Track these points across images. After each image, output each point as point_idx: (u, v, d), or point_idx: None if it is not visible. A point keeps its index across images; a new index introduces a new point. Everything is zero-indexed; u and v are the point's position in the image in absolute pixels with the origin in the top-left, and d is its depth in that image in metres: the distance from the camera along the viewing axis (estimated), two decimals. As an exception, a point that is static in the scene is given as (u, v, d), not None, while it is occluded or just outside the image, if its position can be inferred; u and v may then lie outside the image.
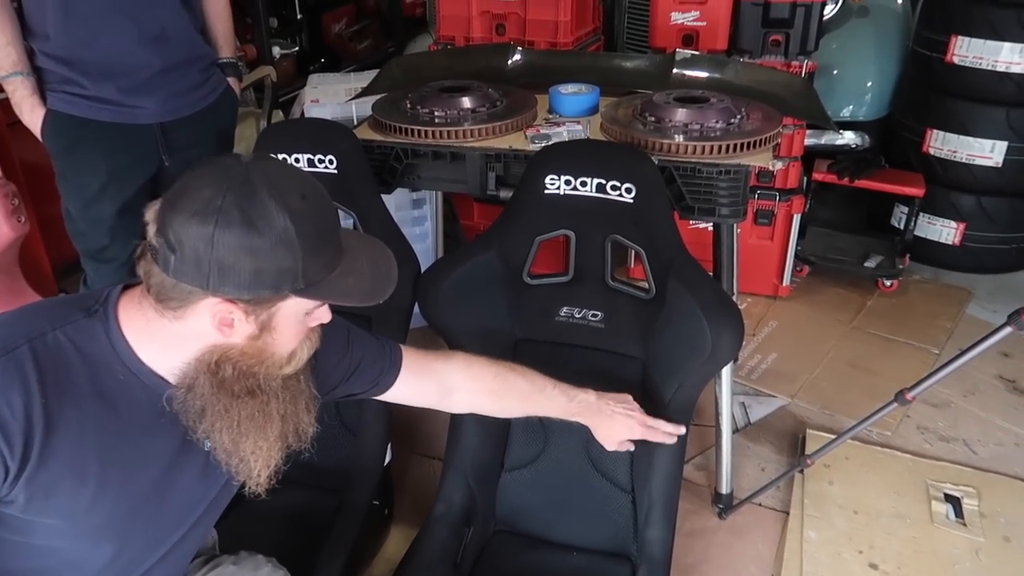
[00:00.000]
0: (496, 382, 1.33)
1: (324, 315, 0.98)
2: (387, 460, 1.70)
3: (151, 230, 0.88)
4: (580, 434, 1.55)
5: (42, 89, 1.71)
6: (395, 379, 1.27)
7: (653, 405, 1.48)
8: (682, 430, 1.38)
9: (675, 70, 2.02)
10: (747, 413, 2.18)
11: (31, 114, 1.71)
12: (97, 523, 0.94)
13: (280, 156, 1.65)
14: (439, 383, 1.32)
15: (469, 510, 1.55)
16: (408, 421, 2.10)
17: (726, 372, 1.73)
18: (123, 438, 0.93)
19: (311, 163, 1.65)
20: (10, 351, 0.86)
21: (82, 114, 1.70)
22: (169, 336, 0.92)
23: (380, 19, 4.89)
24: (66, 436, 0.88)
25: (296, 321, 0.94)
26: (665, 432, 1.36)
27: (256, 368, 0.94)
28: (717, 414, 1.77)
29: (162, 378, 0.94)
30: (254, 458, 0.98)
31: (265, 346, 0.93)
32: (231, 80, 1.94)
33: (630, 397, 1.38)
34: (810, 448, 1.94)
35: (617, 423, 1.35)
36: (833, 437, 1.66)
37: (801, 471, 1.87)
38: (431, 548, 1.46)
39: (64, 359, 0.89)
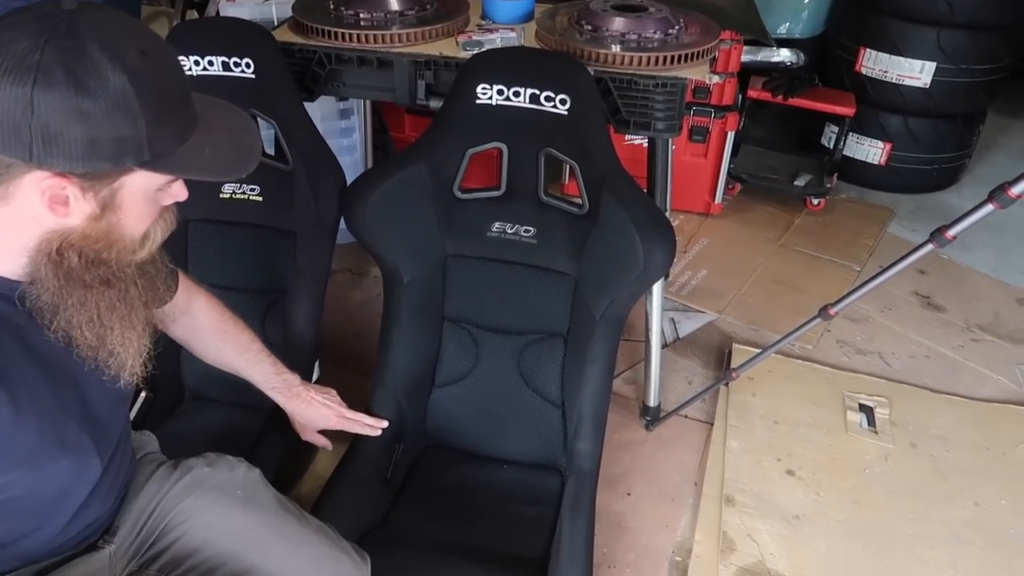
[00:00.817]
0: (222, 324, 1.28)
1: (180, 192, 0.88)
2: (315, 377, 1.67)
3: None
4: (511, 348, 1.56)
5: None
6: (177, 286, 1.19)
7: (584, 321, 1.48)
8: (384, 424, 1.43)
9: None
10: (676, 328, 2.22)
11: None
12: (28, 444, 0.86)
13: (192, 58, 1.54)
14: (185, 302, 1.23)
15: (399, 426, 1.54)
16: (337, 337, 2.07)
17: (657, 288, 1.74)
18: (7, 357, 0.84)
19: (226, 66, 1.54)
20: None
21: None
22: (6, 227, 0.81)
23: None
24: None
25: (145, 198, 0.84)
26: (366, 424, 1.40)
27: (105, 254, 0.84)
28: (647, 329, 1.79)
29: (12, 280, 0.84)
30: (123, 350, 0.90)
31: (111, 228, 0.83)
32: None
33: (334, 392, 1.40)
34: (736, 362, 1.99)
35: (314, 411, 1.35)
36: (758, 351, 1.71)
37: (726, 384, 1.93)
38: (361, 465, 1.45)
39: None
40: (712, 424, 1.89)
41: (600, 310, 1.45)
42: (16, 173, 0.75)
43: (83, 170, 0.76)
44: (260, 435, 1.53)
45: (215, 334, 1.27)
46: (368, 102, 2.28)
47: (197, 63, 1.54)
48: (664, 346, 2.04)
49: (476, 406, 1.60)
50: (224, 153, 0.86)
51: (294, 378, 1.34)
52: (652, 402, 1.87)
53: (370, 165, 2.35)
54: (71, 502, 0.96)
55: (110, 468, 1.00)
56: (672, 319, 2.25)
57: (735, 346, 2.11)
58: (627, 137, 2.27)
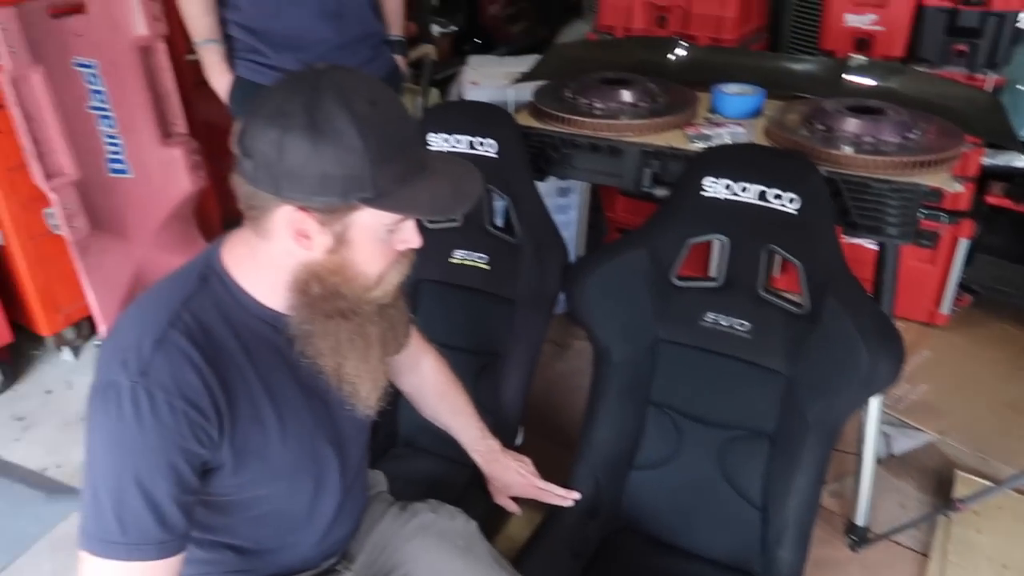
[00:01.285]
0: (444, 386, 1.38)
1: (412, 238, 0.96)
2: (518, 441, 1.73)
3: (234, 140, 0.90)
4: (713, 441, 1.54)
5: (230, 56, 1.84)
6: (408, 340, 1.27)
7: (795, 425, 1.44)
8: (576, 496, 1.45)
9: (846, 76, 1.93)
10: (889, 444, 2.07)
11: (219, 78, 1.84)
12: (290, 459, 1.00)
13: (442, 135, 1.71)
14: (415, 357, 1.35)
15: (595, 503, 1.56)
16: (540, 406, 2.14)
17: (875, 400, 1.65)
18: (277, 379, 0.98)
19: (472, 145, 1.69)
20: (163, 338, 0.89)
21: (264, 82, 1.81)
22: (266, 261, 0.94)
23: (535, 3, 4.92)
24: (237, 394, 0.93)
25: (375, 238, 0.92)
26: (558, 495, 1.43)
27: (343, 288, 0.94)
28: (860, 442, 1.69)
29: (280, 313, 0.97)
30: (359, 381, 0.99)
31: (345, 262, 0.92)
32: (398, 58, 2.01)
33: (530, 461, 1.45)
34: (960, 492, 1.82)
35: (510, 476, 1.42)
36: (990, 484, 1.56)
37: (946, 514, 1.76)
38: (555, 534, 1.49)
39: (206, 329, 0.93)
40: (927, 556, 1.73)
41: (813, 415, 1.40)
42: (270, 208, 0.88)
43: (318, 204, 0.87)
44: (465, 489, 1.60)
45: (437, 394, 1.38)
46: (588, 183, 2.38)
47: (446, 140, 1.71)
48: (876, 462, 1.92)
49: (672, 494, 1.58)
50: (442, 195, 0.94)
51: (496, 444, 1.43)
52: (860, 521, 1.75)
53: (584, 242, 2.44)
54: (320, 520, 1.08)
55: (351, 492, 1.12)
56: (885, 434, 2.10)
57: (959, 474, 1.93)
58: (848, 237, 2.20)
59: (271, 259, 0.94)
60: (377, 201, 0.88)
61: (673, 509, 1.57)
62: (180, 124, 2.43)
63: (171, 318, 0.91)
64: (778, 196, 1.42)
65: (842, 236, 1.49)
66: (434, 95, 3.15)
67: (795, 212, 1.41)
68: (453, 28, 4.03)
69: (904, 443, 2.08)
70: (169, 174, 2.41)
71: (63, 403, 2.33)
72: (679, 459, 1.57)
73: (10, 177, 2.15)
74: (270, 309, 0.97)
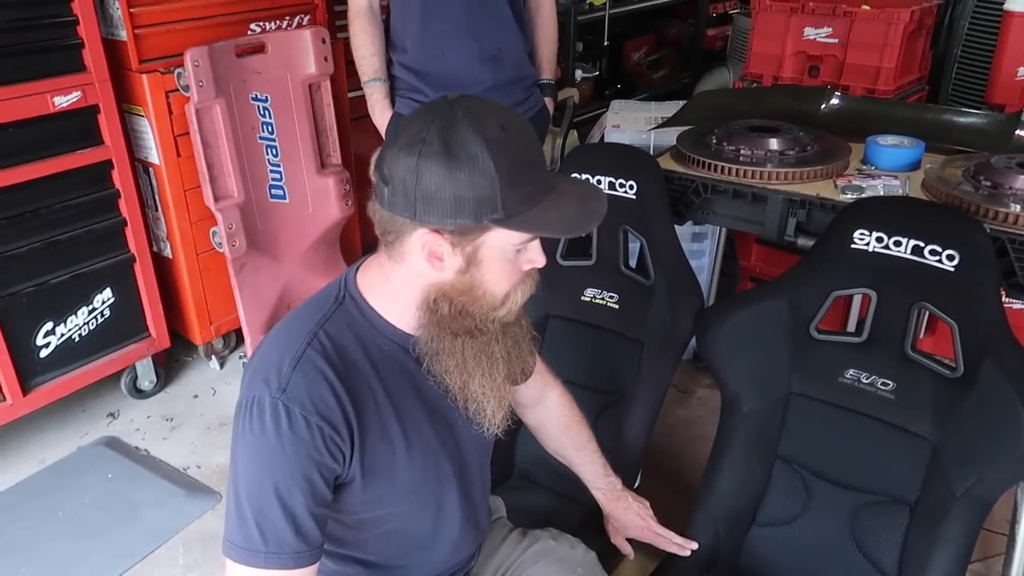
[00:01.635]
0: (569, 420, 1.37)
1: (537, 258, 0.98)
2: (636, 484, 1.71)
3: (372, 168, 0.94)
4: (846, 504, 1.46)
5: (392, 94, 1.96)
6: (533, 370, 1.28)
7: (940, 495, 1.34)
8: (694, 545, 1.39)
9: (1018, 132, 1.82)
10: (1045, 529, 1.89)
11: (381, 115, 1.97)
12: (415, 478, 1.04)
13: (583, 175, 1.74)
14: (540, 390, 1.35)
15: (713, 555, 1.51)
16: (660, 451, 2.10)
17: (1033, 477, 1.51)
18: (404, 399, 1.02)
19: (611, 186, 1.71)
20: (301, 357, 0.94)
21: (420, 119, 1.92)
22: (398, 283, 0.98)
23: (679, 50, 4.94)
24: (367, 412, 0.98)
25: (503, 258, 0.94)
26: (675, 543, 1.41)
27: (471, 307, 0.96)
28: (1014, 522, 1.55)
29: (409, 334, 1.01)
30: (485, 399, 1.01)
31: (474, 282, 0.94)
32: (547, 100, 2.08)
33: (648, 504, 1.44)
34: None
35: (630, 518, 1.40)
36: None
37: (1111, 613, 1.58)
38: (670, 583, 1.45)
39: (340, 348, 0.97)
40: (1086, 656, 1.56)
41: (962, 487, 1.31)
42: (406, 231, 0.92)
43: (452, 226, 0.89)
44: (578, 528, 1.59)
45: (561, 427, 1.39)
46: (723, 229, 2.35)
47: (587, 180, 1.74)
48: (1029, 546, 1.75)
49: (796, 556, 1.51)
50: (569, 216, 0.95)
51: (618, 482, 1.42)
52: (1008, 607, 1.60)
53: (715, 289, 2.40)
54: (444, 539, 1.11)
55: (474, 514, 1.14)
56: (1041, 516, 1.92)
57: None
58: (1005, 300, 2.05)
59: (403, 281, 0.98)
60: (507, 222, 0.90)
61: (796, 570, 1.49)
62: (336, 156, 2.60)
63: (309, 338, 0.96)
64: (934, 252, 1.35)
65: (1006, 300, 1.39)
66: (573, 137, 3.21)
67: (952, 269, 1.33)
68: (595, 73, 4.11)
69: (1065, 531, 1.88)
70: (321, 201, 2.58)
71: (207, 408, 2.51)
72: (806, 519, 1.49)
73: (185, 197, 2.37)
74: (400, 330, 1.01)
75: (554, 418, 1.39)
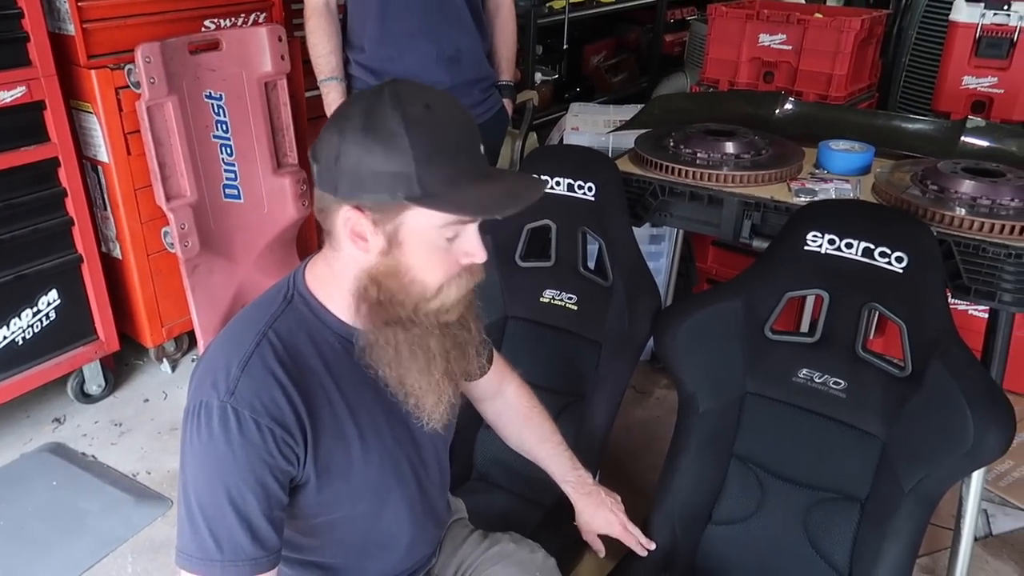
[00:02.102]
0: (529, 411, 1.35)
1: (473, 250, 0.95)
2: (594, 485, 1.71)
3: (310, 152, 0.94)
4: (799, 501, 1.48)
5: (349, 94, 1.94)
6: (491, 365, 1.28)
7: (889, 491, 1.37)
8: (652, 546, 1.38)
9: (963, 138, 1.88)
10: (989, 523, 1.95)
11: (337, 113, 1.94)
12: (371, 477, 1.02)
13: (543, 177, 1.74)
14: (498, 384, 1.33)
15: (670, 554, 1.52)
16: (617, 451, 2.11)
17: (977, 474, 1.56)
18: (358, 396, 1.00)
19: (571, 187, 1.72)
20: (249, 359, 0.92)
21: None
22: (340, 272, 0.96)
23: (637, 54, 4.99)
24: (320, 412, 0.96)
25: (429, 243, 0.92)
26: (640, 542, 1.38)
27: (400, 295, 0.94)
28: (959, 516, 1.60)
29: (352, 326, 0.99)
30: (423, 394, 0.99)
31: (400, 266, 0.93)
32: (506, 101, 2.07)
33: (620, 499, 1.39)
34: (1067, 581, 1.70)
35: (602, 514, 1.36)
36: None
37: (1052, 604, 1.64)
38: (628, 584, 1.45)
39: (291, 347, 0.95)
40: (1028, 646, 1.61)
41: (910, 483, 1.34)
42: (332, 211, 0.92)
43: (368, 200, 0.89)
44: (536, 529, 1.59)
45: (522, 419, 1.37)
46: (680, 231, 2.37)
47: (546, 181, 1.74)
48: (974, 540, 1.80)
49: (751, 553, 1.53)
50: (491, 197, 0.92)
51: (588, 476, 1.39)
52: (954, 601, 1.64)
53: (672, 290, 2.42)
54: (401, 537, 1.09)
55: (432, 513, 1.13)
56: (985, 511, 1.98)
57: (1067, 561, 1.80)
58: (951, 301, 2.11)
59: (343, 269, 0.96)
60: (424, 200, 0.89)
61: (752, 568, 1.52)
62: (292, 155, 2.56)
63: (258, 339, 0.94)
64: (884, 254, 1.38)
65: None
66: (532, 139, 3.22)
67: (901, 271, 1.37)
68: (555, 76, 4.13)
69: (1006, 523, 1.95)
70: (277, 201, 2.54)
71: (158, 412, 2.45)
72: (761, 517, 1.52)
73: (135, 196, 2.31)
74: (348, 324, 0.99)
75: (513, 410, 1.37)
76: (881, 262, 1.38)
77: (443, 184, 0.89)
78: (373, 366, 0.97)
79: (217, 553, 0.90)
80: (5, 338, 2.17)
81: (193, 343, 2.64)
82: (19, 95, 2.00)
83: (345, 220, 0.91)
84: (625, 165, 1.80)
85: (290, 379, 0.93)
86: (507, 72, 2.06)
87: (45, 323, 2.25)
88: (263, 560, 0.92)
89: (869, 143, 1.80)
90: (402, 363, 0.97)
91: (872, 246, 1.39)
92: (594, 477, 1.71)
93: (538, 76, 3.82)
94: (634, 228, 1.79)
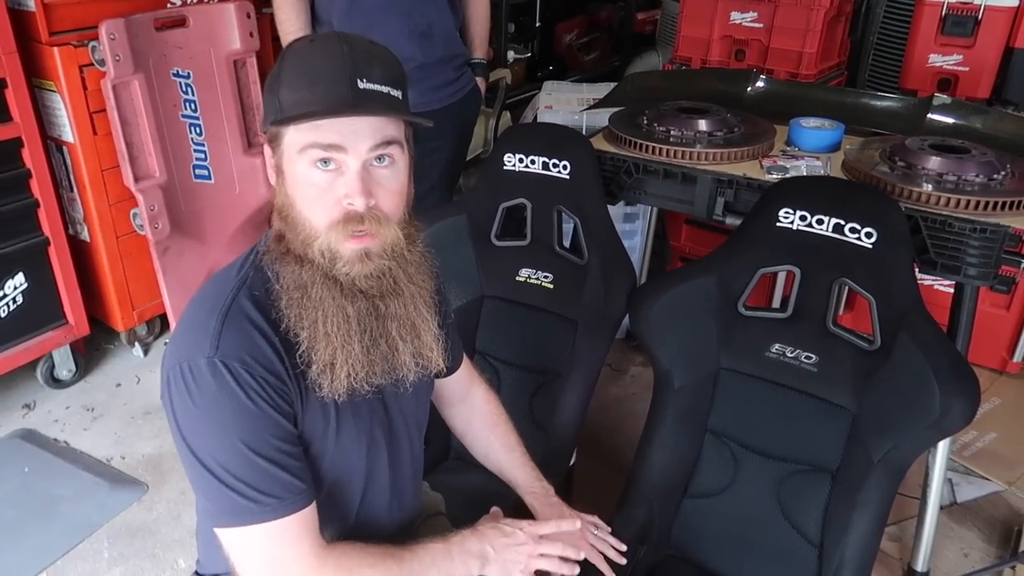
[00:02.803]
0: (497, 418, 1.35)
1: (352, 192, 0.90)
2: (572, 461, 1.73)
3: None
4: (772, 474, 1.51)
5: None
6: (456, 370, 1.29)
7: (858, 462, 1.41)
8: (622, 561, 1.25)
9: (930, 115, 1.91)
10: (954, 491, 2.01)
11: (308, 92, 1.92)
12: (345, 442, 1.01)
13: (517, 155, 1.74)
14: (467, 387, 1.34)
15: (646, 528, 1.54)
16: (594, 429, 2.14)
17: (943, 444, 1.61)
18: None
19: (545, 166, 1.72)
20: (229, 314, 0.90)
21: (349, 97, 1.88)
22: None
23: (610, 33, 4.98)
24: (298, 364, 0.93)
25: (298, 170, 0.90)
26: (613, 547, 1.26)
27: (291, 231, 0.93)
28: (925, 486, 1.65)
29: None
30: (324, 348, 0.93)
31: (289, 199, 0.92)
32: (479, 79, 2.06)
33: (583, 518, 1.28)
34: (1028, 545, 1.75)
35: (565, 526, 1.22)
36: (1062, 538, 1.50)
37: (1013, 567, 1.70)
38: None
39: (264, 301, 0.94)
40: (990, 609, 1.67)
41: (879, 454, 1.37)
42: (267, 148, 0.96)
43: (264, 129, 0.95)
44: (515, 508, 1.60)
45: (488, 426, 1.36)
46: (654, 209, 2.39)
47: (521, 160, 1.74)
48: (940, 508, 1.86)
49: (725, 525, 1.56)
50: (327, 104, 0.89)
51: (550, 488, 1.35)
52: (921, 567, 1.69)
53: (647, 268, 2.44)
54: (368, 513, 1.09)
55: (402, 494, 1.12)
56: (950, 480, 2.04)
57: (1028, 526, 1.86)
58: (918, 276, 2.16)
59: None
60: (276, 121, 0.91)
61: (726, 540, 1.54)
62: (263, 135, 2.52)
63: (232, 294, 0.93)
64: (854, 230, 1.40)
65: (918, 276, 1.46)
66: (506, 118, 3.21)
67: (870, 247, 1.39)
68: (527, 55, 4.12)
69: (969, 491, 2.01)
70: (248, 182, 2.51)
71: (131, 397, 2.42)
72: (735, 490, 1.54)
73: (103, 177, 2.27)
74: None
75: (479, 415, 1.36)
76: (851, 238, 1.41)
77: (304, 106, 0.89)
78: (285, 313, 0.93)
79: (250, 501, 0.90)
80: (-29, 323, 2.13)
81: (165, 327, 2.62)
82: (-22, 74, 1.95)
83: (265, 153, 0.97)
84: (599, 143, 1.80)
85: (272, 329, 0.92)
86: (480, 50, 2.05)
87: (12, 307, 2.21)
88: (297, 498, 0.92)
89: (839, 120, 1.83)
90: (304, 306, 0.93)
91: (842, 222, 1.41)
92: (571, 455, 1.74)
93: (511, 55, 3.81)
94: (608, 206, 1.80)
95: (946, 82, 2.35)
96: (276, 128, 0.91)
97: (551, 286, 1.77)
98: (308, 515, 0.94)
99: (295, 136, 0.90)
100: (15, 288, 2.20)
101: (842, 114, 1.89)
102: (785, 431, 1.51)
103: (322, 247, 0.92)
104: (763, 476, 1.52)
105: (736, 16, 2.60)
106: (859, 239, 1.40)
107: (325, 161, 0.90)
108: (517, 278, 1.80)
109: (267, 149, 0.96)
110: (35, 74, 2.13)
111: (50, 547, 1.88)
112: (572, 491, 1.82)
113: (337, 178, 0.91)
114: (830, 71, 2.67)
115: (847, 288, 1.45)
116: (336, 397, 0.96)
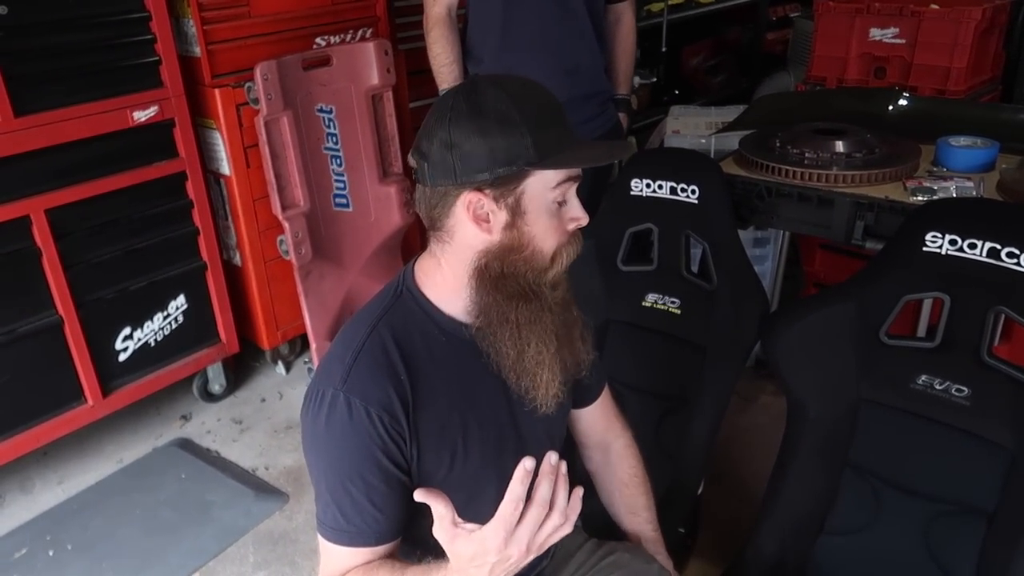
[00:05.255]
0: (629, 479, 1.30)
1: (579, 214, 1.00)
2: (699, 491, 1.69)
3: (410, 155, 0.99)
4: (919, 513, 1.42)
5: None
6: (595, 400, 1.27)
7: (1020, 506, 1.30)
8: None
9: (1101, 130, 1.76)
10: None
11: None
12: (471, 469, 1.04)
13: (644, 180, 1.74)
14: (604, 427, 1.30)
15: (779, 563, 1.48)
16: (721, 459, 2.08)
17: (1120, 489, 1.45)
18: (462, 388, 1.03)
19: (673, 191, 1.71)
20: (361, 349, 0.97)
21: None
22: (453, 263, 0.99)
23: (738, 54, 4.88)
24: (427, 402, 0.99)
25: (546, 208, 0.96)
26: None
27: (521, 267, 0.97)
28: (1099, 536, 1.49)
29: (464, 322, 1.02)
30: (539, 368, 1.00)
31: (523, 237, 0.96)
32: (621, 115, 2.06)
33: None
34: None
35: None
36: None
37: None
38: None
39: (399, 338, 0.99)
40: None
41: (1044, 497, 1.26)
42: (450, 200, 0.95)
43: (491, 177, 0.93)
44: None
45: (619, 484, 1.32)
46: (786, 234, 2.32)
47: (648, 185, 1.74)
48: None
49: (866, 565, 1.47)
50: (596, 153, 1.06)
51: (669, 562, 1.30)
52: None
53: (778, 294, 2.37)
54: None
55: None
56: None
57: None
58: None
59: (455, 260, 0.99)
60: (541, 163, 0.94)
61: (868, 581, 1.46)
62: (397, 164, 2.65)
63: (369, 331, 0.99)
64: (1012, 254, 1.31)
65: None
66: (632, 144, 3.21)
67: (1031, 273, 1.30)
68: (653, 79, 4.10)
69: None
70: (383, 209, 2.63)
71: (274, 412, 2.58)
72: (877, 528, 1.46)
73: (254, 207, 2.44)
74: (456, 319, 1.02)
75: (616, 469, 1.32)
76: (1009, 263, 1.31)
77: (553, 146, 0.95)
78: (492, 344, 1.00)
79: (345, 523, 0.98)
80: (140, 340, 2.33)
81: (305, 346, 2.77)
82: (152, 114, 2.16)
83: (467, 204, 0.95)
84: (729, 167, 1.77)
85: (398, 369, 0.97)
86: (624, 86, 2.04)
87: (174, 326, 2.41)
88: (385, 533, 0.99)
89: (992, 138, 1.71)
90: (522, 336, 0.99)
91: (998, 246, 1.32)
92: (699, 485, 1.70)
93: (636, 80, 3.80)
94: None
95: (1119, 94, 2.16)
96: (531, 168, 0.94)
97: (678, 311, 1.75)
98: (389, 549, 1.01)
99: (551, 173, 0.96)
100: (177, 308, 2.40)
101: (996, 131, 1.77)
102: (934, 468, 1.42)
103: (553, 273, 1.01)
104: (908, 515, 1.43)
105: (876, 32, 2.49)
106: (1017, 264, 1.31)
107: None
108: (643, 303, 1.79)
109: (478, 195, 0.95)
110: (198, 113, 2.34)
111: (204, 549, 2.02)
112: (699, 522, 1.78)
113: (561, 206, 0.99)
114: (982, 86, 2.51)
115: (1003, 317, 1.35)
116: (547, 411, 1.03)
